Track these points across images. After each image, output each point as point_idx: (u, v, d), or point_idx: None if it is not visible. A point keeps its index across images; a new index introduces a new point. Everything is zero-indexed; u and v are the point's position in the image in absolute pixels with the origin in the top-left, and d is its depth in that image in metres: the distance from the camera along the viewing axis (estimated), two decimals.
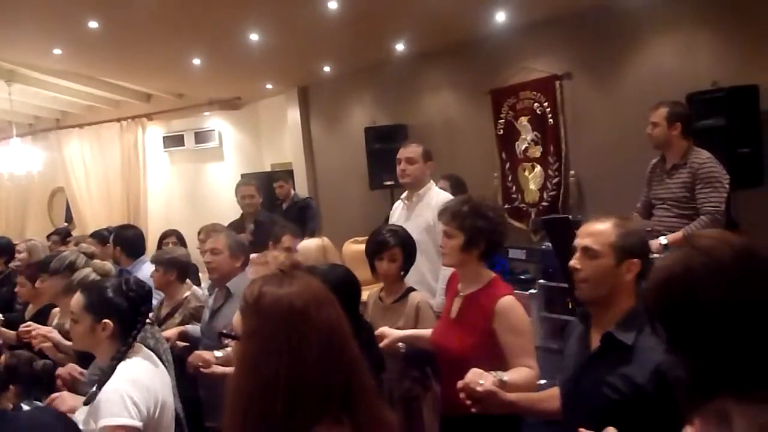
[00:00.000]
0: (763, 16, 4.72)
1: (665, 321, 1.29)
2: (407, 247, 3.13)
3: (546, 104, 6.16)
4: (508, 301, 2.49)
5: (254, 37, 6.22)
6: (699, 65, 5.10)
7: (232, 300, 3.32)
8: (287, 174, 7.71)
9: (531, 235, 6.13)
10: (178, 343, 3.46)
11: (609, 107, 5.75)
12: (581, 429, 1.66)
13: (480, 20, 6.00)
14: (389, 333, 2.80)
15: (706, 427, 1.22)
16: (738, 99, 4.59)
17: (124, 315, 2.32)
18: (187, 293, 3.85)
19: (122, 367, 2.24)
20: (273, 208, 7.24)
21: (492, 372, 2.12)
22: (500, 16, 5.84)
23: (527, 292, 5.05)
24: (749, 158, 4.56)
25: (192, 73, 7.66)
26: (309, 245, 3.48)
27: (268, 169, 9.45)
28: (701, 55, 5.12)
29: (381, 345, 2.76)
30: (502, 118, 6.58)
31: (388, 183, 7.04)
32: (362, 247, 3.25)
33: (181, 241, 5.15)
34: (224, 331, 1.72)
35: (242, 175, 8.73)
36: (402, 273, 3.13)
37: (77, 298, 2.37)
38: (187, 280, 3.96)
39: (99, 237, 5.45)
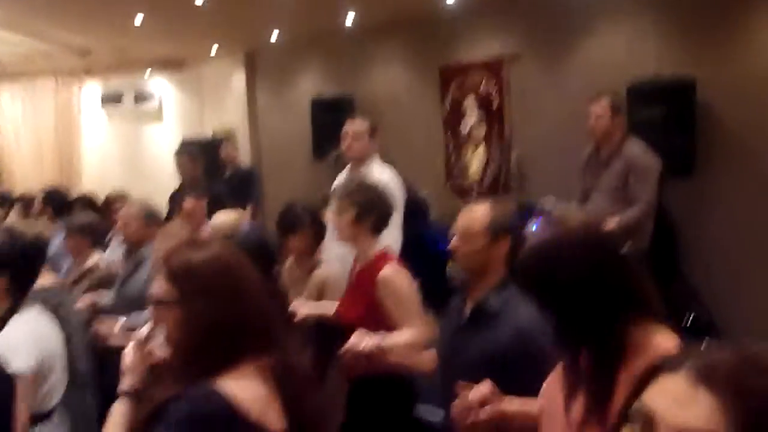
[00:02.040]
0: (705, 11, 4.85)
1: (536, 285, 1.60)
2: (318, 225, 3.25)
3: (493, 83, 6.21)
4: (389, 271, 2.64)
5: None
6: (643, 54, 5.21)
7: (145, 265, 3.38)
8: (234, 139, 7.58)
9: None
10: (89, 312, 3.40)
11: (555, 91, 5.84)
12: (460, 382, 1.85)
13: None
14: (299, 309, 2.89)
15: (565, 372, 1.58)
16: (676, 90, 4.73)
17: (18, 270, 2.34)
18: (96, 259, 3.85)
19: (15, 319, 2.29)
20: (214, 175, 7.11)
21: (371, 338, 2.33)
22: None
23: None
24: (683, 148, 4.71)
25: (134, 28, 7.38)
26: (225, 219, 3.55)
27: (210, 134, 9.25)
28: (645, 45, 5.24)
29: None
30: (449, 96, 6.60)
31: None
32: None
33: (91, 206, 4.98)
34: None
35: (183, 141, 8.54)
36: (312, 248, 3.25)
37: None
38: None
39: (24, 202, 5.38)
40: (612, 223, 4.03)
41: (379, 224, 2.74)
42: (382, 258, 2.74)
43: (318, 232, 3.28)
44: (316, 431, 1.55)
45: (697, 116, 4.77)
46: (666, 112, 4.66)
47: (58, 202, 4.82)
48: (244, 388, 1.43)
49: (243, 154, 8.20)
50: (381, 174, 3.83)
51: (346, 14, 6.74)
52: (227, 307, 1.49)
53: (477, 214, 2.22)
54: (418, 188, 5.49)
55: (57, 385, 2.41)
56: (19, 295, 2.34)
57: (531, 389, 1.80)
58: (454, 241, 2.26)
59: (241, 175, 6.82)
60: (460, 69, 6.48)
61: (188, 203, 4.13)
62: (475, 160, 6.47)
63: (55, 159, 9.97)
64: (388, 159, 4.19)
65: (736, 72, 4.72)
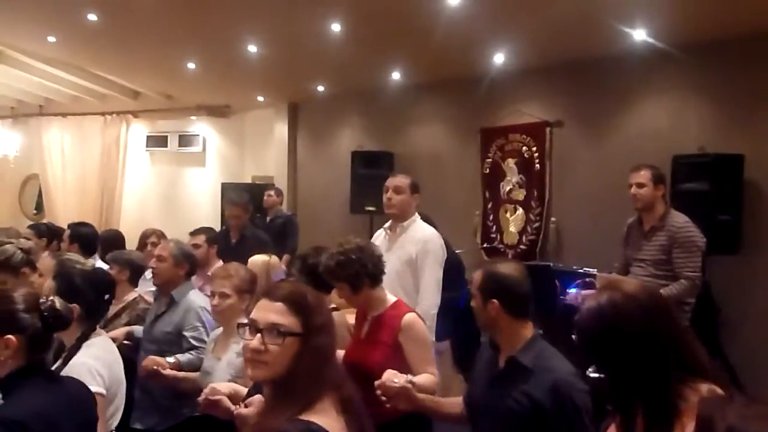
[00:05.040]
0: (752, 89, 4.83)
1: (596, 344, 1.66)
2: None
3: (534, 149, 6.22)
4: (412, 317, 2.80)
5: (252, 48, 6.21)
6: (686, 130, 5.19)
7: (175, 307, 3.44)
8: (277, 186, 7.67)
9: None
10: (125, 342, 3.50)
11: (595, 159, 5.82)
12: None
13: (478, 59, 6.06)
14: None
15: (620, 429, 1.62)
16: (723, 166, 4.67)
17: (90, 301, 2.55)
18: (135, 295, 3.91)
19: (87, 345, 2.48)
20: (251, 219, 7.16)
21: (403, 375, 2.40)
22: (498, 58, 5.91)
23: None
24: (729, 225, 4.63)
25: (184, 76, 7.61)
26: (255, 261, 3.70)
27: (249, 180, 9.39)
28: (689, 120, 5.22)
29: None
30: (489, 158, 6.63)
31: (370, 209, 7.03)
32: None
33: (119, 244, 5.08)
34: None
35: (223, 185, 8.66)
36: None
37: (49, 284, 2.61)
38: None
39: (36, 229, 5.50)
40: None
41: (375, 278, 2.83)
42: (399, 305, 2.86)
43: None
44: None
45: (745, 194, 4.69)
46: (711, 188, 4.60)
47: (84, 238, 4.88)
48: (330, 422, 1.55)
49: None
50: (423, 231, 3.80)
51: (390, 73, 6.87)
52: (332, 343, 1.69)
53: (476, 276, 2.40)
54: (454, 246, 5.46)
55: (119, 408, 2.58)
56: (90, 324, 2.53)
57: None
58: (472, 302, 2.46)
59: (282, 222, 6.88)
60: (501, 131, 6.51)
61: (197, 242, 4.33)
62: (513, 223, 6.44)
63: (97, 195, 10.17)
64: (424, 216, 4.17)
65: None
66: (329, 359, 1.66)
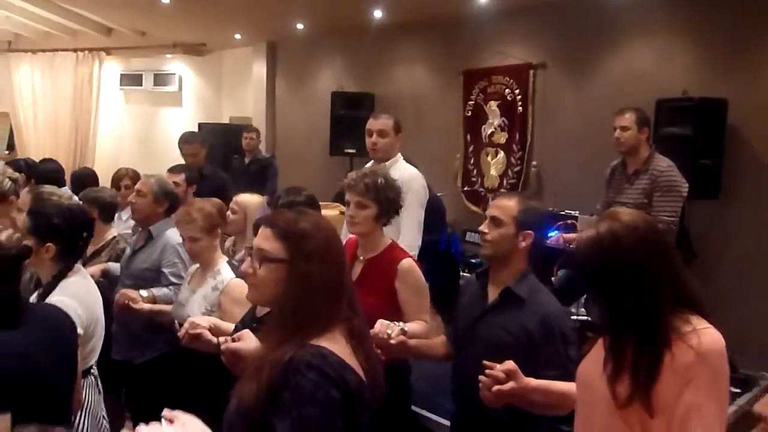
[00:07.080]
0: (738, 33, 4.78)
1: (592, 275, 1.65)
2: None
3: (517, 91, 6.14)
4: (409, 263, 2.72)
5: None
6: (671, 73, 5.14)
7: (153, 243, 3.44)
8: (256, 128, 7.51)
9: None
10: (100, 279, 3.48)
11: (579, 102, 5.77)
12: (486, 362, 1.96)
13: None
14: None
15: (609, 356, 1.62)
16: (706, 110, 4.64)
17: (67, 239, 2.50)
18: (115, 234, 3.88)
19: (63, 284, 2.46)
20: (228, 161, 7.05)
21: (395, 323, 2.38)
22: None
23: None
24: (710, 170, 4.63)
25: (158, 11, 7.34)
26: (251, 199, 3.61)
27: (227, 121, 9.21)
28: (674, 63, 5.17)
29: None
30: (471, 100, 6.54)
31: (349, 151, 6.94)
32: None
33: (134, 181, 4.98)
34: None
35: (200, 125, 8.50)
36: None
37: (23, 220, 2.57)
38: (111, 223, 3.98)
39: (15, 166, 5.36)
40: None
41: (391, 218, 2.79)
42: (395, 248, 2.79)
43: None
44: (379, 387, 1.64)
45: (726, 138, 4.69)
46: (694, 132, 4.57)
47: (45, 175, 4.78)
48: (340, 348, 1.57)
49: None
50: (406, 171, 3.73)
51: (372, 11, 6.68)
52: (334, 272, 1.63)
53: (509, 203, 2.37)
54: (435, 190, 5.43)
55: (96, 346, 2.58)
56: (66, 262, 2.49)
57: (548, 368, 2.08)
58: (483, 227, 2.40)
59: (262, 164, 6.78)
60: (484, 73, 6.41)
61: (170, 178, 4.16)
62: (494, 166, 6.40)
63: (71, 134, 9.92)
64: (406, 158, 4.09)
65: (767, 95, 4.64)
66: (326, 288, 1.60)
